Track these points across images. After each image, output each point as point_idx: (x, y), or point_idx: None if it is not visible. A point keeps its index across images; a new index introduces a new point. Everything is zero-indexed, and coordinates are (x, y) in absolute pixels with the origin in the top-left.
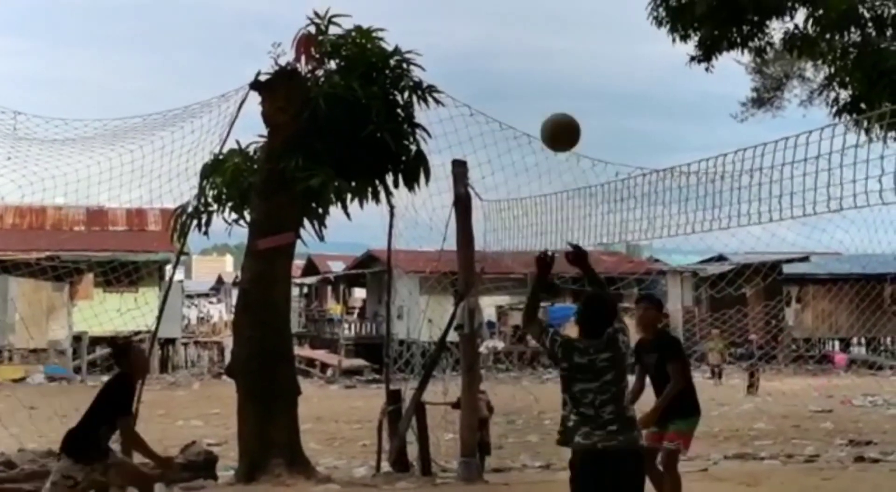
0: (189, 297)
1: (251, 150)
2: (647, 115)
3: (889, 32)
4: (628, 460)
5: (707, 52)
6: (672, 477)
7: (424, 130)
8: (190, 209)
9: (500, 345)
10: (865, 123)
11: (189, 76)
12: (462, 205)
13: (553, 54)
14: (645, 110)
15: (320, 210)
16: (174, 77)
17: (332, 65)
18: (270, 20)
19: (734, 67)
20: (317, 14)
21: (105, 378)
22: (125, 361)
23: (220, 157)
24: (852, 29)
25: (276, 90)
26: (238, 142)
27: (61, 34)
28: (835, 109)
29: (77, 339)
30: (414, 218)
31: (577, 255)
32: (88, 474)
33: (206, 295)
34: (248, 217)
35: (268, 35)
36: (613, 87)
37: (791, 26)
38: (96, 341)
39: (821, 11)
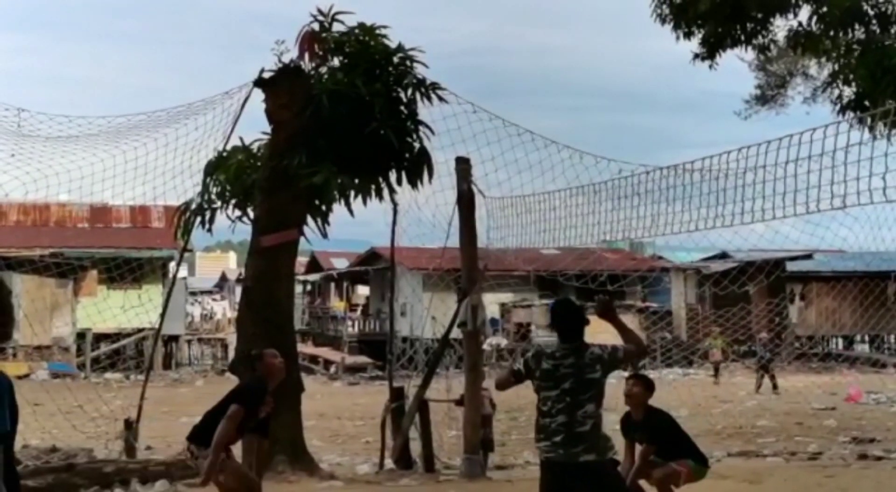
0: (192, 294)
1: (255, 147)
2: (650, 112)
3: (893, 29)
4: (571, 474)
5: (710, 50)
6: None
7: (427, 126)
8: (194, 206)
9: (504, 342)
10: (869, 121)
11: (192, 73)
12: (465, 202)
13: (557, 51)
14: (648, 107)
15: (323, 207)
16: (178, 74)
17: (336, 62)
18: (274, 17)
19: (738, 65)
20: (320, 11)
21: (108, 375)
22: (260, 366)
23: (224, 154)
24: (856, 26)
25: (280, 87)
26: (242, 139)
27: (65, 31)
28: (839, 107)
29: (81, 335)
30: (417, 215)
31: (604, 309)
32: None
33: (210, 292)
34: (251, 214)
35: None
36: (617, 85)
37: (795, 23)
38: (100, 338)
39: (825, 8)
